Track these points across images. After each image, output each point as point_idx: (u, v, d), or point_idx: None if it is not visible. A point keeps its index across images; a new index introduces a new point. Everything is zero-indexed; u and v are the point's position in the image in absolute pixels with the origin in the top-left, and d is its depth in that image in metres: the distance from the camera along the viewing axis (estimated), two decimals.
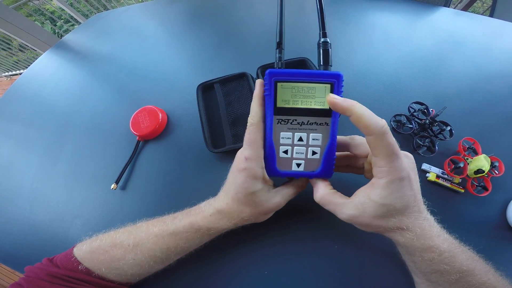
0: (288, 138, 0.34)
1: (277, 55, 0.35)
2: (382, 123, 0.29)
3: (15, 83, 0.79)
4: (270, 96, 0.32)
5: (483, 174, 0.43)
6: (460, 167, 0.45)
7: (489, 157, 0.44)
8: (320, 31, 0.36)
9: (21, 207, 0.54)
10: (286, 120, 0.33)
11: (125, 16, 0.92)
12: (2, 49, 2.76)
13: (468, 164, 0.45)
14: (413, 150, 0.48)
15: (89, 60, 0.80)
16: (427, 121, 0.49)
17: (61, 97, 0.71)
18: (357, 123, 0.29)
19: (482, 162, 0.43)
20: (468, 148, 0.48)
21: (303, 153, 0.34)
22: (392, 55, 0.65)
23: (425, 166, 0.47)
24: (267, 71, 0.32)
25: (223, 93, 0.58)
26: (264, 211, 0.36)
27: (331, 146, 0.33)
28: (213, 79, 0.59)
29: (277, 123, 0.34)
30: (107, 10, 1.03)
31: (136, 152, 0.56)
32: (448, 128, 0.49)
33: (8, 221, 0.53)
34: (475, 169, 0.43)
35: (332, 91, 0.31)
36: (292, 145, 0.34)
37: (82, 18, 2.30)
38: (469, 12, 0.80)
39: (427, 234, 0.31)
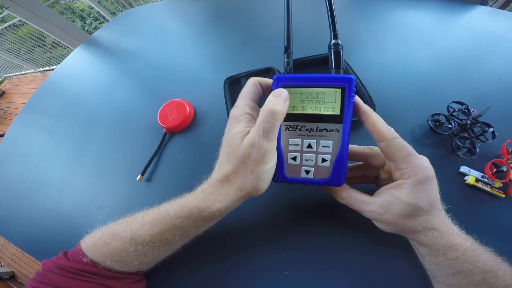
0: (297, 144, 0.33)
1: (285, 59, 0.34)
2: (392, 129, 0.31)
3: (48, 78, 0.82)
4: None
5: None
6: (503, 171, 0.42)
7: None
8: (331, 32, 0.34)
9: (49, 197, 0.56)
10: (295, 127, 0.33)
11: (151, 13, 0.93)
12: (38, 46, 2.91)
13: (511, 168, 0.42)
14: (451, 151, 0.46)
15: (117, 55, 0.82)
16: (469, 121, 0.46)
17: (90, 92, 0.74)
18: (372, 128, 0.31)
19: None
20: None
21: (312, 160, 0.33)
22: (427, 53, 0.61)
23: (463, 168, 0.44)
24: (275, 76, 0.32)
25: None
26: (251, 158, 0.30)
27: (342, 153, 0.32)
28: (240, 73, 0.59)
29: (285, 129, 0.33)
30: (133, 7, 1.05)
31: (163, 144, 0.56)
32: (491, 129, 0.46)
33: (37, 210, 0.55)
34: None
35: (343, 96, 0.30)
36: (301, 152, 0.33)
37: (109, 15, 2.38)
38: (507, 10, 0.75)
39: (450, 232, 0.31)
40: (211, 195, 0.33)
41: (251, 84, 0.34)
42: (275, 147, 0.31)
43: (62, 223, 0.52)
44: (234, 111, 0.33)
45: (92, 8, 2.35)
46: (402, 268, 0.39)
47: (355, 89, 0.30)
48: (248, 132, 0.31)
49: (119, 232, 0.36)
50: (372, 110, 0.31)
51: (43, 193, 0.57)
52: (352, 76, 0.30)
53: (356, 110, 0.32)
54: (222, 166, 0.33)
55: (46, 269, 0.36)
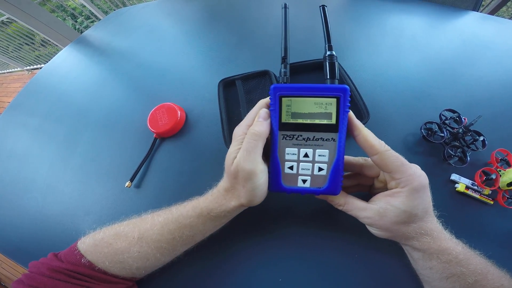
0: (294, 154, 0.33)
1: (282, 69, 0.36)
2: (383, 142, 0.32)
3: (35, 76, 0.80)
4: (275, 111, 0.33)
5: None
6: (492, 178, 0.43)
7: None
8: (325, 44, 0.36)
9: (34, 200, 0.54)
10: (291, 136, 0.33)
11: (143, 13, 0.92)
12: (26, 43, 2.84)
13: (500, 176, 0.43)
14: (443, 160, 0.46)
15: (107, 55, 0.80)
16: (461, 130, 0.47)
17: (78, 92, 0.72)
18: (364, 142, 0.32)
19: None
20: (501, 159, 0.45)
21: (309, 169, 0.34)
22: (419, 58, 0.62)
23: (454, 176, 0.45)
24: (272, 86, 0.32)
25: (244, 90, 0.56)
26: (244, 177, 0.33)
27: (338, 162, 0.33)
28: (235, 76, 0.59)
29: (283, 139, 0.34)
30: (126, 6, 1.03)
31: (153, 149, 0.55)
32: (481, 138, 0.46)
33: (20, 215, 0.53)
34: (509, 181, 0.41)
35: (338, 106, 0.31)
36: (298, 161, 0.34)
37: (102, 14, 2.34)
38: (497, 16, 0.77)
39: (442, 236, 0.33)
40: (218, 199, 0.36)
41: (259, 106, 0.35)
42: (260, 167, 0.32)
43: (47, 229, 0.50)
44: (235, 130, 0.35)
45: (84, 6, 2.31)
46: (395, 273, 0.39)
47: (349, 98, 0.31)
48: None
49: (126, 232, 0.37)
50: (362, 125, 0.33)
51: (26, 197, 0.54)
52: (346, 86, 0.31)
53: (348, 125, 0.33)
54: (225, 178, 0.36)
55: (36, 271, 0.35)
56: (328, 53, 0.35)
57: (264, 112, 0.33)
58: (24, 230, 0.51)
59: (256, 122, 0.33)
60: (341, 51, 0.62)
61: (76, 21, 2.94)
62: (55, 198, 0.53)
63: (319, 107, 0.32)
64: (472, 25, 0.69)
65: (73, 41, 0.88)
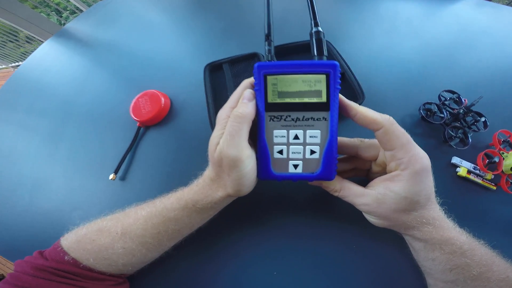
0: (283, 136, 0.31)
1: (266, 47, 0.34)
2: (387, 116, 0.29)
3: (16, 72, 0.77)
4: (260, 91, 0.30)
5: None
6: (495, 162, 0.41)
7: None
8: (311, 20, 0.34)
9: (21, 198, 0.52)
10: (279, 117, 0.31)
11: (128, 3, 0.88)
12: (10, 41, 2.77)
13: (503, 159, 0.41)
14: (443, 141, 0.44)
15: (90, 47, 0.77)
16: (461, 110, 0.45)
17: (61, 85, 0.69)
18: (364, 120, 0.29)
19: None
20: (503, 141, 0.43)
21: (300, 152, 0.31)
22: (416, 42, 0.60)
23: (455, 159, 0.43)
24: (256, 64, 0.30)
25: (232, 74, 0.54)
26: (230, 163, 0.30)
27: (332, 144, 0.30)
28: (222, 59, 0.56)
29: (270, 120, 0.31)
30: None
31: (137, 139, 0.52)
32: (483, 119, 0.44)
33: (8, 212, 0.51)
34: None
35: (328, 82, 0.29)
36: (288, 144, 0.31)
37: (87, 8, 2.27)
38: (493, 2, 0.77)
39: (445, 226, 0.31)
40: (204, 190, 0.33)
41: (243, 86, 0.33)
42: (246, 152, 0.29)
43: (35, 226, 0.48)
44: (219, 113, 0.32)
45: (69, 1, 2.25)
46: (396, 264, 0.37)
47: (340, 75, 0.29)
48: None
49: (109, 227, 0.35)
50: (357, 104, 0.30)
51: (14, 194, 0.53)
52: (336, 62, 0.29)
53: (341, 107, 0.30)
54: (210, 166, 0.34)
55: (20, 270, 0.33)
56: (314, 29, 0.33)
57: (248, 92, 0.31)
58: (13, 227, 0.49)
59: (239, 104, 0.30)
60: (336, 36, 0.60)
61: (61, 16, 2.86)
62: (41, 194, 0.52)
63: (307, 85, 0.29)
64: (469, 10, 0.67)
65: (55, 34, 0.84)
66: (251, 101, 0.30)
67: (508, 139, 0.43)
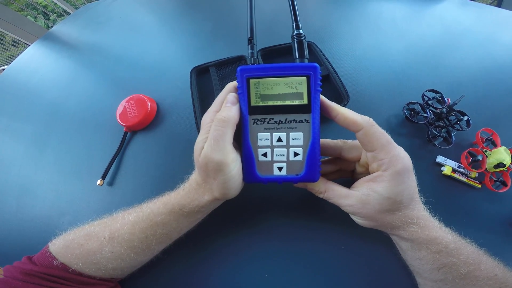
0: (266, 139, 0.32)
1: (249, 50, 0.35)
2: (367, 117, 0.30)
3: (0, 75, 0.76)
4: (243, 94, 0.31)
5: (504, 168, 0.40)
6: (478, 160, 0.42)
7: (509, 149, 0.41)
8: (293, 23, 0.35)
9: (8, 204, 0.51)
10: (262, 120, 0.31)
11: (115, 5, 0.88)
12: None
13: (487, 157, 0.42)
14: (428, 141, 0.45)
15: (77, 50, 0.76)
16: (444, 110, 0.45)
17: (47, 89, 0.68)
18: (344, 121, 0.30)
19: (502, 155, 0.40)
20: (486, 139, 0.44)
21: (284, 155, 0.32)
22: (400, 42, 0.61)
23: (440, 158, 0.43)
24: (239, 68, 0.31)
25: (218, 77, 0.54)
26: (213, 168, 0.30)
27: (314, 145, 0.31)
28: (208, 62, 0.56)
29: (253, 123, 0.31)
30: (97, 0, 0.99)
31: (124, 144, 0.52)
32: (466, 118, 0.45)
33: None
34: (496, 163, 0.40)
35: (309, 84, 0.29)
36: (271, 147, 0.32)
37: (75, 11, 2.24)
38: (476, 2, 0.78)
39: (430, 225, 0.31)
40: (190, 194, 0.33)
41: (227, 89, 0.33)
42: (230, 156, 0.30)
43: (24, 231, 0.48)
44: (203, 117, 0.33)
45: (56, 4, 2.21)
46: (385, 264, 0.38)
47: (320, 77, 0.30)
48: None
49: (96, 232, 0.35)
50: (338, 105, 0.31)
51: (0, 201, 0.52)
52: (316, 64, 0.29)
53: (323, 108, 0.31)
54: (195, 170, 0.34)
55: (9, 275, 0.33)
56: (295, 32, 0.34)
57: (231, 96, 0.31)
58: (0, 234, 0.49)
59: (223, 108, 0.30)
60: (321, 36, 0.60)
61: (48, 19, 2.82)
62: (28, 200, 0.51)
63: (289, 87, 0.30)
64: (452, 10, 0.68)
65: (40, 38, 0.83)
66: (235, 104, 0.30)
67: (491, 137, 0.44)
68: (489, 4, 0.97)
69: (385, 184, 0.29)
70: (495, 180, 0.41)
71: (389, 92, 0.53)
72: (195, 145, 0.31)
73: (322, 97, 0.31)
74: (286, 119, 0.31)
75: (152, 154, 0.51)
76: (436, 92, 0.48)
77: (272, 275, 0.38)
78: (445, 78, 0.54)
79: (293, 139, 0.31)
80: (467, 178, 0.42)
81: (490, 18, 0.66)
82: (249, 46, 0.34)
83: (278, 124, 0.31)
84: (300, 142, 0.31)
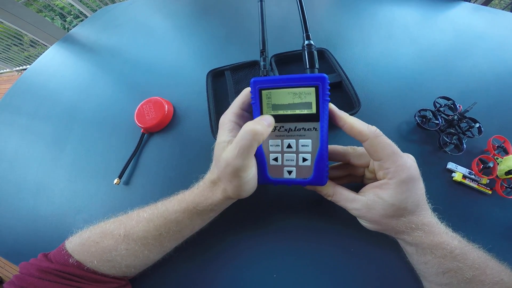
0: (277, 145, 0.34)
1: (261, 62, 0.37)
2: (374, 128, 0.31)
3: (21, 76, 0.78)
4: (256, 104, 0.33)
5: None
6: (489, 167, 0.42)
7: None
8: (303, 33, 0.36)
9: (25, 201, 0.53)
10: (274, 128, 0.33)
11: (132, 9, 0.90)
12: (14, 44, 2.79)
13: (498, 164, 0.42)
14: (439, 147, 0.45)
15: (95, 53, 0.78)
16: (456, 117, 0.45)
17: (66, 90, 0.70)
18: (351, 130, 0.31)
19: None
20: (498, 147, 0.44)
21: (293, 160, 0.34)
22: (412, 49, 0.61)
23: (450, 165, 0.44)
24: (252, 80, 0.32)
25: (233, 80, 0.55)
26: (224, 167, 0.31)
27: (322, 152, 0.32)
28: (224, 66, 0.57)
29: None
30: (114, 3, 1.01)
31: (141, 145, 0.53)
32: (477, 125, 0.45)
33: (12, 216, 0.52)
34: (507, 170, 0.40)
35: (317, 95, 0.31)
36: (282, 152, 0.34)
37: (91, 12, 2.30)
38: (489, 7, 0.77)
39: (435, 231, 0.31)
40: (204, 192, 0.34)
41: (244, 94, 0.35)
42: (252, 162, 0.31)
43: (39, 229, 0.49)
44: (221, 118, 0.35)
45: (73, 6, 2.27)
46: (393, 267, 0.38)
47: (329, 87, 0.31)
48: (230, 141, 0.31)
49: (112, 230, 0.36)
50: (347, 114, 0.32)
51: (18, 197, 0.54)
52: (324, 75, 0.31)
53: (331, 116, 0.32)
54: (212, 169, 0.35)
55: (25, 272, 0.34)
56: (306, 42, 0.35)
57: (270, 118, 0.32)
58: (17, 230, 0.50)
59: (259, 121, 0.31)
60: (333, 43, 0.61)
61: (65, 21, 2.89)
62: (45, 197, 0.53)
63: (298, 98, 0.31)
64: (465, 15, 0.68)
65: (60, 40, 0.86)
66: (270, 126, 0.31)
67: (503, 144, 0.44)
68: (503, 9, 0.96)
69: (390, 191, 0.30)
70: (506, 187, 0.41)
71: (401, 98, 0.53)
72: (216, 145, 0.33)
73: (331, 106, 0.32)
74: (295, 127, 0.32)
75: (168, 155, 0.52)
76: (448, 99, 0.48)
77: (281, 275, 0.39)
78: (457, 84, 0.54)
79: (302, 145, 0.33)
80: (477, 185, 0.42)
81: (504, 24, 0.65)
82: (261, 58, 0.36)
83: (288, 132, 0.33)
84: (309, 149, 0.33)
